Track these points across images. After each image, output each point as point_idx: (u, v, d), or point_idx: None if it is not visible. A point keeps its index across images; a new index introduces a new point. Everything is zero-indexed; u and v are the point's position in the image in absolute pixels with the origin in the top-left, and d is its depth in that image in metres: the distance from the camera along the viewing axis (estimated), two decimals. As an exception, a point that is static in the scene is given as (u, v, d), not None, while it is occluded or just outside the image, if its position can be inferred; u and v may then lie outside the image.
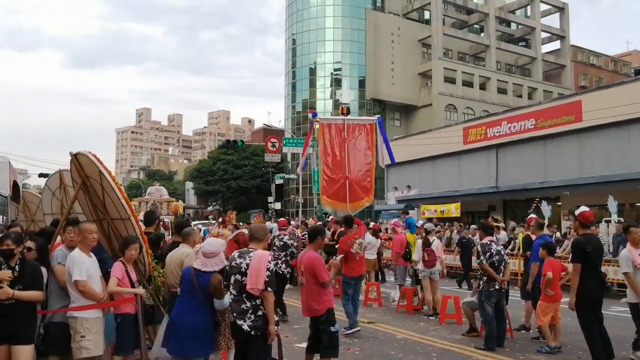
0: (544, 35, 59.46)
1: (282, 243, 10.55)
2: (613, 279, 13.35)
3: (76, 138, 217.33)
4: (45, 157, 77.09)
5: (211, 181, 59.25)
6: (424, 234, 11.07)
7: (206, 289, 5.07)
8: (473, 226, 18.17)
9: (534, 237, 9.07)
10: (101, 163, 5.50)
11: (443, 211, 25.83)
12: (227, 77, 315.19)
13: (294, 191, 49.04)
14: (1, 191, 11.53)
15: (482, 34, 57.60)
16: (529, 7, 59.63)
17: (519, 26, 60.29)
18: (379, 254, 15.06)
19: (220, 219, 23.21)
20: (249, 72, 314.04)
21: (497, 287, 7.98)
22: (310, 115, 13.98)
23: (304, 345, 6.55)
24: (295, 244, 11.04)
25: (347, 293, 9.07)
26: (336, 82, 53.56)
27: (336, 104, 51.67)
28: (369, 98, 52.38)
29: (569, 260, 8.06)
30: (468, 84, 52.67)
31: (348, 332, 8.65)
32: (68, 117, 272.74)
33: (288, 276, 11.15)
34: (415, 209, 28.98)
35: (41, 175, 33.49)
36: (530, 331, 8.96)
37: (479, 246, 8.33)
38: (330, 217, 22.73)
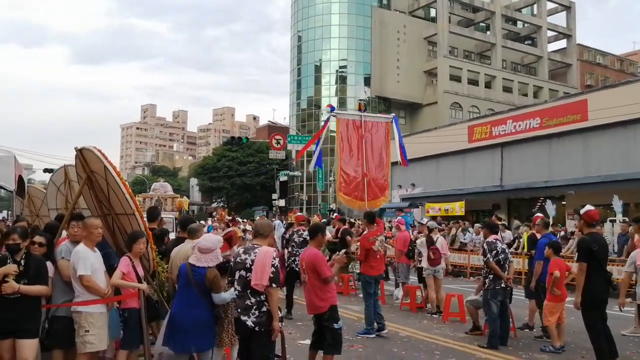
0: (550, 33, 59.18)
1: (301, 239, 9.97)
2: (618, 279, 13.29)
3: (81, 133, 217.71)
4: (50, 152, 77.18)
5: (215, 178, 59.23)
6: (427, 232, 11.06)
7: (202, 284, 5.14)
8: (477, 225, 18.13)
9: (539, 235, 9.06)
10: (106, 158, 5.52)
11: (447, 209, 25.76)
12: (232, 74, 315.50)
13: (298, 188, 49.08)
14: (6, 186, 11.59)
15: (488, 32, 57.39)
16: (535, 6, 59.35)
17: (525, 24, 60.00)
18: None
19: (230, 217, 22.69)
20: (254, 69, 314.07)
21: (503, 285, 8.00)
22: (328, 109, 13.84)
23: (308, 341, 6.56)
24: None
25: (369, 294, 8.64)
26: (341, 80, 53.54)
27: (341, 102, 51.70)
28: (374, 95, 52.29)
29: (575, 259, 8.04)
30: (473, 82, 52.53)
31: (361, 334, 8.53)
32: (73, 112, 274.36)
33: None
34: (420, 207, 28.95)
35: (46, 170, 33.61)
36: (534, 330, 8.94)
37: (485, 244, 8.33)
38: (335, 214, 22.67)
